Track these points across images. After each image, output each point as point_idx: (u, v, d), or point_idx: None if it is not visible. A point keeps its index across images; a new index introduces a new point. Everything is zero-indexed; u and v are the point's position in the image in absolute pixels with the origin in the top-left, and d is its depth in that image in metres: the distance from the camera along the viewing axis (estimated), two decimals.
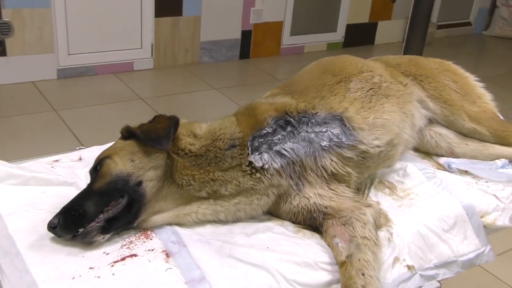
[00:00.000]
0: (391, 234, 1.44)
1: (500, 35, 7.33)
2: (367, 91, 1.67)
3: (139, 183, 1.35)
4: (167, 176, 1.39)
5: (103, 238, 1.31)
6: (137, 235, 1.36)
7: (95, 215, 1.30)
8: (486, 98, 1.93)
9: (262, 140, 1.45)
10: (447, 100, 1.85)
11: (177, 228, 1.39)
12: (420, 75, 1.89)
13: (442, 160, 1.82)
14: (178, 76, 5.42)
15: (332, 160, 1.49)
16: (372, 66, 1.79)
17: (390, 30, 6.62)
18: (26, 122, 4.35)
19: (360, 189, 1.63)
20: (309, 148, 1.47)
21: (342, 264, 1.29)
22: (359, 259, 1.29)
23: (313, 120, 1.52)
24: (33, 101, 4.67)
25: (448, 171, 1.78)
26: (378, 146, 1.57)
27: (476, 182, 1.72)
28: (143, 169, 1.36)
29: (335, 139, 1.50)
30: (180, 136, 1.44)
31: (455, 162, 1.79)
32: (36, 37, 4.77)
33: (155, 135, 1.37)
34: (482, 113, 1.86)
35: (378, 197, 1.60)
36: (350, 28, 6.34)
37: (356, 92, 1.65)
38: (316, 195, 1.44)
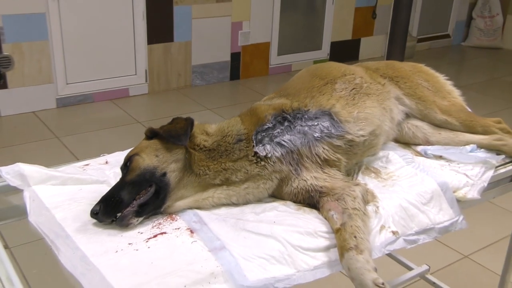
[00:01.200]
0: (377, 207, 1.74)
1: (478, 45, 7.74)
2: (351, 91, 1.99)
3: (164, 174, 1.64)
4: (186, 167, 1.68)
5: (137, 220, 1.60)
6: (164, 218, 1.65)
7: (130, 202, 1.59)
8: (455, 94, 2.26)
9: (264, 134, 1.76)
10: (421, 96, 2.17)
11: (197, 211, 1.68)
12: (396, 77, 2.21)
13: (419, 148, 2.14)
14: (172, 99, 5.70)
15: (324, 148, 1.79)
16: (353, 70, 2.11)
17: (373, 45, 7.00)
18: (30, 150, 4.61)
19: (350, 174, 1.93)
20: (304, 139, 1.78)
21: (337, 231, 1.58)
22: (351, 226, 1.58)
23: (306, 116, 1.83)
24: (35, 130, 4.95)
25: (425, 157, 2.08)
26: (362, 136, 1.88)
27: (449, 164, 2.03)
28: (166, 162, 1.65)
29: (326, 131, 1.81)
30: (195, 134, 1.74)
31: (430, 149, 2.10)
32: (35, 69, 5.05)
33: (175, 133, 1.68)
34: (452, 107, 2.18)
35: (365, 179, 1.90)
36: (334, 45, 6.70)
37: (341, 91, 1.97)
38: (312, 177, 1.74)
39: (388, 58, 4.48)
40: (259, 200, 1.77)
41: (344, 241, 1.54)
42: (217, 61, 5.98)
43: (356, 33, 6.84)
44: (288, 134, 1.78)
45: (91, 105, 5.40)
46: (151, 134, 1.73)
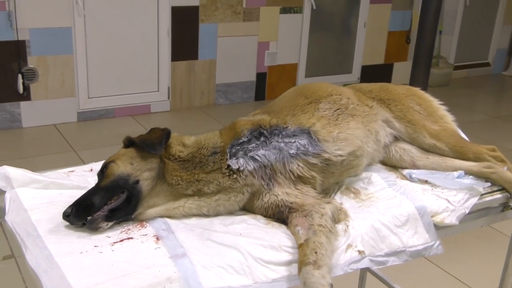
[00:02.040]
0: (347, 226, 1.83)
1: None
2: (335, 111, 2.09)
3: (137, 181, 1.78)
4: (160, 176, 1.82)
5: (107, 225, 1.73)
6: (134, 224, 1.78)
7: (101, 206, 1.73)
8: (448, 119, 2.33)
9: (239, 147, 1.88)
10: (410, 120, 2.26)
11: (167, 219, 1.80)
12: (388, 99, 2.31)
13: (405, 171, 2.21)
14: (194, 118, 5.87)
15: (298, 165, 1.90)
16: (341, 91, 2.22)
17: (406, 70, 7.04)
18: (46, 162, 4.84)
19: (328, 194, 2.03)
20: (279, 155, 1.89)
21: (300, 246, 1.68)
22: (314, 241, 1.68)
23: (284, 133, 1.94)
24: (54, 143, 5.19)
25: (410, 180, 2.16)
26: (340, 156, 1.98)
27: (432, 189, 2.10)
28: (140, 170, 1.79)
29: (302, 148, 1.92)
30: (172, 144, 1.88)
31: (415, 173, 2.17)
32: (58, 82, 5.32)
33: (150, 143, 1.81)
34: (442, 131, 2.25)
35: (342, 199, 1.99)
36: (365, 69, 6.78)
37: (324, 111, 2.07)
38: (283, 193, 1.85)
39: (411, 84, 4.53)
40: (230, 213, 1.88)
41: (304, 256, 1.64)
42: (242, 81, 6.15)
43: (389, 58, 6.91)
44: (263, 149, 1.89)
45: (111, 120, 5.62)
46: (128, 143, 1.87)
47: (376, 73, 6.83)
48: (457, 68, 7.42)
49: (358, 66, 6.79)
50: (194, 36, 5.74)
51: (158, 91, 5.79)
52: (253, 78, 6.20)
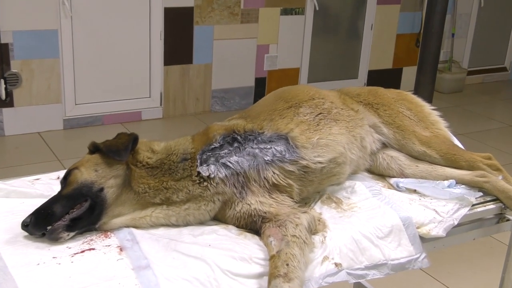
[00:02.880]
0: (324, 237, 1.84)
1: None
2: (316, 116, 2.11)
3: (101, 189, 1.80)
4: (126, 184, 1.84)
5: (68, 235, 1.75)
6: (98, 235, 1.80)
7: (62, 215, 1.75)
8: (440, 125, 2.35)
9: (210, 154, 1.90)
10: (399, 125, 2.27)
11: (133, 229, 1.82)
12: (377, 104, 2.33)
13: (392, 180, 2.23)
14: (189, 126, 5.88)
15: (274, 172, 1.91)
16: (324, 94, 2.24)
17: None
18: (30, 172, 4.83)
19: (308, 203, 2.04)
20: (253, 162, 1.91)
21: (272, 257, 1.70)
22: (286, 253, 1.69)
23: (259, 138, 1.96)
24: (38, 152, 5.21)
25: (397, 190, 2.17)
26: (320, 163, 1.99)
27: (420, 199, 2.11)
28: (105, 177, 1.82)
29: (278, 155, 1.94)
30: (140, 150, 1.90)
31: (403, 182, 2.18)
32: (43, 88, 5.35)
33: (116, 148, 1.84)
34: (433, 138, 2.27)
35: (323, 209, 2.01)
36: (372, 74, 6.80)
37: (305, 116, 2.09)
38: (257, 202, 1.87)
39: (416, 90, 4.57)
40: (201, 223, 1.90)
41: (274, 268, 1.65)
42: (239, 86, 6.17)
43: (398, 62, 6.93)
44: (236, 156, 1.91)
45: (99, 128, 5.66)
46: (93, 149, 1.90)
47: (384, 78, 6.84)
48: (471, 73, 7.41)
49: (365, 70, 6.81)
50: (189, 39, 5.78)
51: (149, 97, 5.83)
52: (251, 83, 6.23)
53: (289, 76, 6.40)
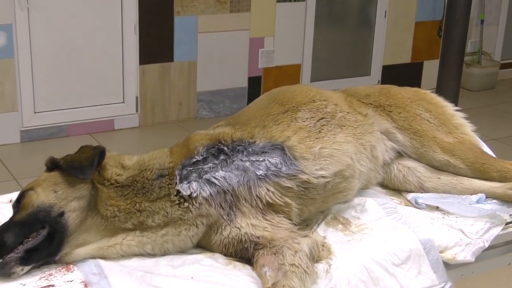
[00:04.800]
0: (329, 265, 1.84)
1: None
2: (317, 121, 2.11)
3: (61, 214, 1.80)
4: (91, 207, 1.84)
5: (22, 270, 1.74)
6: (58, 268, 1.79)
7: (14, 246, 1.74)
8: (466, 129, 2.35)
9: (192, 168, 1.90)
10: (417, 130, 2.28)
11: (101, 261, 1.82)
12: (389, 105, 2.33)
13: (410, 195, 2.23)
14: (170, 135, 5.85)
15: (268, 189, 1.91)
16: (327, 96, 2.24)
17: None
18: None
19: (309, 225, 2.04)
20: (243, 177, 1.90)
21: None
22: (283, 285, 1.69)
23: (250, 149, 1.96)
24: None
25: (415, 207, 2.17)
26: (323, 177, 1.99)
27: (443, 217, 2.11)
28: (65, 199, 1.81)
29: (273, 168, 1.93)
30: (107, 166, 1.90)
31: (422, 197, 2.19)
32: None
33: (79, 165, 1.84)
34: (458, 144, 2.27)
35: (327, 232, 2.01)
36: (387, 70, 6.80)
37: (304, 121, 2.09)
38: (248, 225, 1.86)
39: (439, 87, 4.56)
40: (181, 251, 1.90)
41: None
42: (230, 88, 6.16)
43: (417, 55, 6.94)
44: (222, 170, 1.91)
45: (64, 141, 5.63)
46: (52, 165, 1.90)
47: (401, 75, 6.85)
48: (504, 66, 7.41)
49: (378, 66, 6.81)
50: (168, 33, 5.78)
51: (123, 102, 5.82)
52: (244, 84, 6.22)
53: (289, 75, 6.40)
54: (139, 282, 1.74)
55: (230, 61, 6.12)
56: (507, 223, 2.12)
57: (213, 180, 1.89)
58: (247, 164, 1.94)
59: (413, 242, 1.97)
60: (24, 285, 1.72)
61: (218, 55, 6.04)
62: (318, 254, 1.86)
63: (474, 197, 2.19)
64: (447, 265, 1.98)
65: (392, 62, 6.88)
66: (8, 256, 1.74)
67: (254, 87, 6.27)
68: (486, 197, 2.21)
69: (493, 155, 2.36)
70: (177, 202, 1.87)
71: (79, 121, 5.68)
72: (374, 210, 2.11)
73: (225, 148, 1.96)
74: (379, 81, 6.82)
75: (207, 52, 5.99)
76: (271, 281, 1.72)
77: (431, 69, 6.93)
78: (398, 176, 2.27)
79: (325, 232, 2.02)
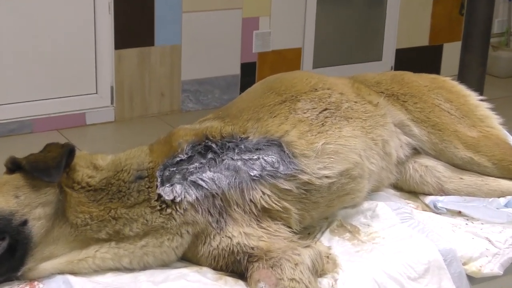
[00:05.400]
0: (335, 280, 1.84)
1: None
2: (320, 112, 2.11)
3: (24, 222, 1.79)
4: (59, 214, 1.83)
5: None
6: (20, 286, 1.78)
7: None
8: (492, 121, 2.35)
9: (175, 169, 1.89)
10: (436, 123, 2.28)
11: (70, 277, 1.81)
12: (404, 94, 2.33)
13: (428, 199, 2.23)
14: (151, 131, 5.83)
15: (263, 192, 1.91)
16: (331, 83, 2.24)
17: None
18: None
19: (311, 233, 2.04)
20: (234, 179, 1.90)
21: None
22: None
23: (242, 146, 1.96)
24: None
25: (434, 212, 2.17)
26: (327, 177, 1.99)
27: (467, 224, 2.11)
28: (29, 206, 1.80)
29: (269, 168, 1.93)
30: (77, 167, 1.89)
31: (442, 201, 2.19)
32: None
33: (44, 166, 1.83)
34: (483, 139, 2.27)
35: (332, 242, 2.01)
36: (402, 54, 6.79)
37: (304, 113, 2.09)
38: (241, 234, 1.86)
39: (462, 74, 4.54)
40: (164, 265, 1.90)
41: None
42: (220, 76, 6.15)
43: (436, 37, 6.93)
44: (210, 171, 1.91)
45: (28, 137, 5.62)
46: (13, 166, 1.89)
47: (418, 59, 6.84)
48: None
49: (391, 49, 6.80)
50: (148, 12, 5.76)
51: (96, 93, 5.80)
52: (236, 71, 6.21)
53: (288, 60, 6.39)
54: None
55: (220, 45, 6.09)
56: None
57: (200, 182, 1.89)
58: (239, 163, 1.93)
59: (432, 252, 1.97)
60: None
61: (206, 38, 6.01)
62: (322, 267, 1.86)
63: (502, 200, 2.20)
64: (472, 279, 1.98)
65: (407, 45, 6.87)
66: None
67: (248, 74, 6.25)
68: None
69: None
70: (158, 208, 1.86)
71: (45, 115, 5.65)
72: (387, 216, 2.11)
73: (214, 145, 1.96)
74: (392, 67, 6.81)
75: (193, 34, 5.97)
76: None
77: (452, 52, 6.92)
78: (414, 176, 2.27)
79: (330, 242, 2.01)
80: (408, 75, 2.43)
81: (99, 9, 5.66)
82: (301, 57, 6.46)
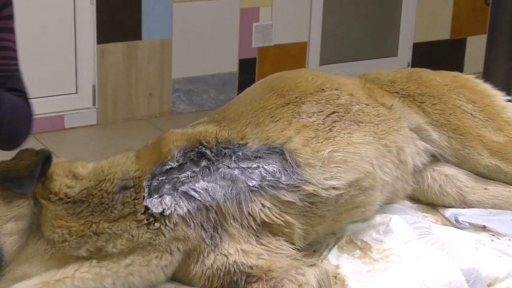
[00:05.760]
0: None
1: None
2: (327, 116, 2.12)
3: None
4: (33, 229, 1.83)
5: None
6: None
7: None
8: None
9: (164, 178, 1.90)
10: (457, 127, 2.28)
11: None
12: (421, 95, 2.34)
13: (448, 212, 2.23)
14: (138, 136, 5.83)
15: (263, 205, 1.91)
16: (339, 83, 2.25)
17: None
18: None
19: (317, 251, 2.04)
20: (231, 189, 1.91)
21: None
22: None
23: (240, 153, 1.96)
24: None
25: (455, 226, 2.18)
26: (334, 188, 1.99)
27: (492, 240, 2.12)
28: (0, 220, 1.81)
29: (270, 178, 1.93)
30: (55, 176, 1.89)
31: (464, 214, 2.19)
32: None
33: (15, 175, 1.83)
34: (510, 145, 2.27)
35: (341, 260, 2.01)
36: (420, 49, 6.80)
37: (309, 117, 2.10)
38: (238, 251, 1.86)
39: (487, 71, 4.55)
40: (152, 285, 1.90)
41: None
42: (215, 73, 6.16)
43: (459, 30, 6.95)
44: (204, 180, 1.91)
45: None
46: None
47: (438, 54, 6.85)
48: None
49: (408, 44, 6.82)
50: (134, 2, 5.77)
51: (76, 93, 5.81)
52: (234, 68, 6.22)
53: (291, 56, 6.40)
54: None
55: (215, 39, 6.10)
56: None
57: (192, 193, 1.89)
58: (236, 172, 1.94)
59: (453, 272, 1.97)
60: None
61: (200, 31, 6.02)
62: None
63: None
64: None
65: (426, 38, 6.88)
66: None
67: (247, 72, 6.25)
68: None
69: None
70: (145, 222, 1.86)
71: None
72: (401, 231, 2.11)
73: (208, 152, 1.96)
74: (409, 64, 6.83)
75: (185, 27, 5.98)
76: None
77: (476, 47, 6.93)
78: (433, 186, 2.27)
79: (338, 260, 2.02)
80: (426, 73, 2.43)
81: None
82: (307, 52, 6.47)
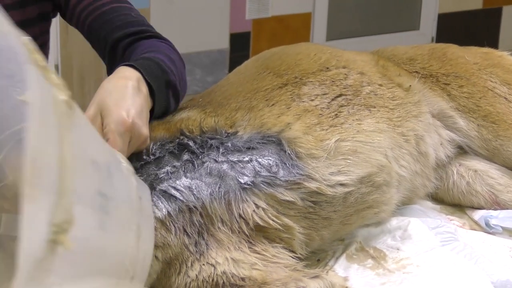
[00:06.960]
0: None
1: None
2: (333, 99, 2.12)
3: None
4: None
5: None
6: None
7: None
8: None
9: (139, 175, 1.90)
10: (488, 113, 2.29)
11: None
12: (446, 75, 2.34)
13: (477, 214, 2.24)
14: None
15: (257, 205, 1.92)
16: (347, 60, 2.25)
17: None
18: None
19: (321, 260, 2.05)
20: (219, 187, 1.91)
21: None
22: None
23: (229, 144, 1.96)
24: None
25: (486, 231, 2.18)
26: (341, 185, 2.00)
27: None
28: None
29: (265, 173, 1.94)
30: None
31: (497, 217, 2.19)
32: None
33: None
34: None
35: (350, 271, 2.02)
36: (446, 20, 6.82)
37: (311, 100, 2.10)
38: (227, 260, 1.86)
39: None
40: None
41: None
42: (202, 50, 6.17)
43: None
44: (186, 177, 1.92)
45: None
46: None
47: (468, 27, 6.87)
48: None
49: (431, 15, 6.82)
50: None
51: None
52: (224, 44, 6.23)
53: (293, 30, 6.41)
54: None
55: (202, 9, 6.11)
56: None
57: (173, 192, 1.89)
58: (225, 167, 1.94)
59: (483, 285, 1.98)
60: None
61: (184, 2, 6.02)
62: None
63: None
64: None
65: (453, 9, 6.90)
66: None
67: (239, 49, 6.27)
68: None
69: None
70: None
71: None
72: (422, 237, 2.12)
73: (191, 143, 1.96)
74: (433, 38, 6.84)
75: None
76: None
77: (511, 18, 6.95)
78: (460, 184, 2.28)
79: (346, 271, 2.02)
80: (452, 49, 2.43)
81: None
82: (311, 25, 6.48)
